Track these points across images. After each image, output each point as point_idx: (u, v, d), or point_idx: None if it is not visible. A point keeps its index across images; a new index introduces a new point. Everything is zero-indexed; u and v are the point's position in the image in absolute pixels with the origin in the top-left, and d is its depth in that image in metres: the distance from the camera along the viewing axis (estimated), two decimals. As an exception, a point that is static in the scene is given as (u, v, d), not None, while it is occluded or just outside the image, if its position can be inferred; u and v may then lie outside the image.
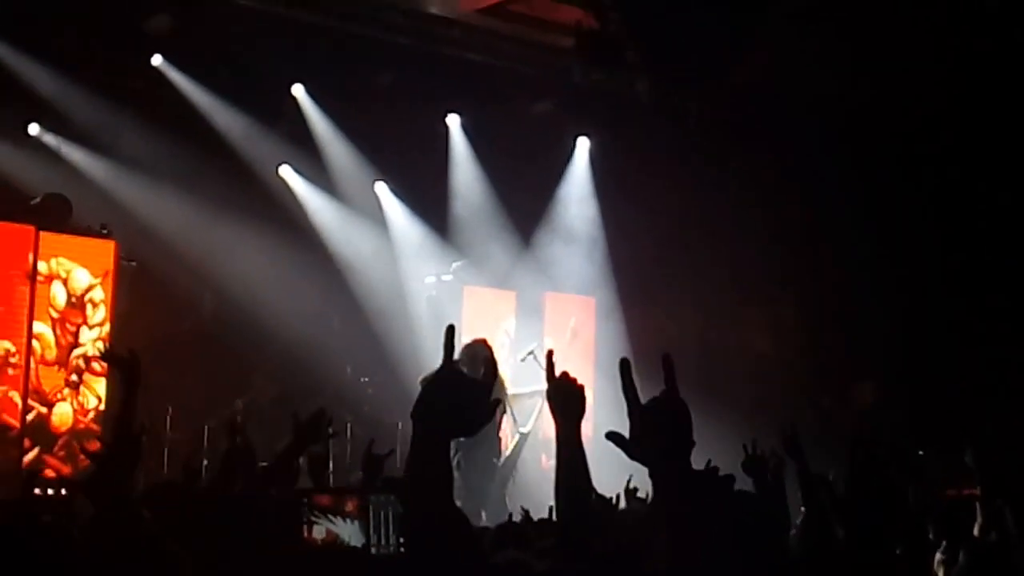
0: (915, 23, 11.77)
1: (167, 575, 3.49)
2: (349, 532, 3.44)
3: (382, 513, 3.21)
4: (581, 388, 3.55)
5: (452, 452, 9.86)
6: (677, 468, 3.05)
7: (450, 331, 2.99)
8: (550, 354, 3.55)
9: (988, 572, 5.36)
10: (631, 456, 3.05)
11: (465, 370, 9.09)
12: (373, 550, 3.19)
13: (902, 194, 13.18)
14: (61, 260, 11.44)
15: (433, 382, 2.95)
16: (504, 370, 11.32)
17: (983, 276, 13.00)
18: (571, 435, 3.53)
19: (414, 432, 2.91)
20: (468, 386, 2.97)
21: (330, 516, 3.50)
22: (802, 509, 5.44)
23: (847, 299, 13.87)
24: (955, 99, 12.47)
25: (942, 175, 13.07)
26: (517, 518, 6.01)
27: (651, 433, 3.06)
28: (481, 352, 10.48)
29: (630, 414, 3.07)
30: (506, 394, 11.01)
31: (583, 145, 14.69)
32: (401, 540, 3.10)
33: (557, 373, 3.52)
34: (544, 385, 10.53)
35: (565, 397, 3.56)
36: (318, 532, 3.54)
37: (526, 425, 11.31)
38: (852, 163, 13.02)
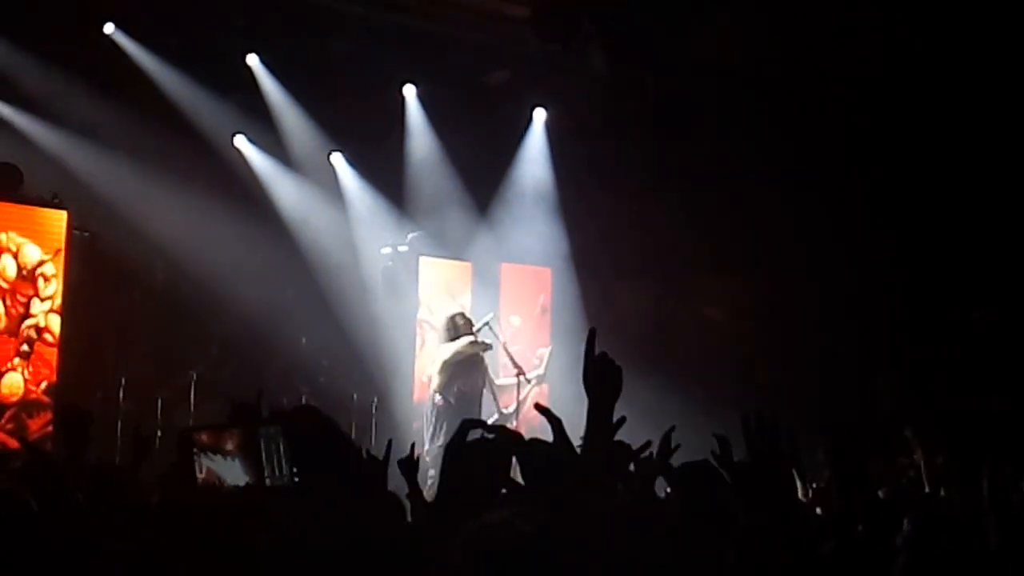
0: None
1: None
2: (228, 470, 3.35)
3: (272, 445, 3.14)
4: (619, 369, 3.61)
5: (434, 420, 9.92)
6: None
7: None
8: (592, 333, 3.61)
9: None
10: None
11: (449, 338, 9.21)
12: (268, 482, 3.14)
13: (861, 168, 13.23)
14: (12, 235, 11.35)
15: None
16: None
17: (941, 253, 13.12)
18: (605, 415, 3.59)
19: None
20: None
21: (209, 454, 3.40)
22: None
23: (806, 273, 13.93)
24: (919, 72, 12.52)
25: (902, 149, 13.13)
26: None
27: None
28: (460, 321, 10.90)
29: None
30: (491, 379, 11.15)
31: (539, 116, 14.66)
32: (295, 471, 3.07)
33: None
34: (532, 373, 10.65)
35: (605, 377, 3.60)
36: (198, 468, 3.48)
37: (507, 407, 11.40)
38: (811, 138, 13.07)
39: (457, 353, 10.88)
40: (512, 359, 11.41)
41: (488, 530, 3.09)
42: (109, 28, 12.43)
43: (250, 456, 3.24)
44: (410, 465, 5.14)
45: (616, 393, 3.61)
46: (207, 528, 3.22)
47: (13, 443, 10.85)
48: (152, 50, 12.49)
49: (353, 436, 12.10)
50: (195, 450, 3.36)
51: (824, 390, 13.32)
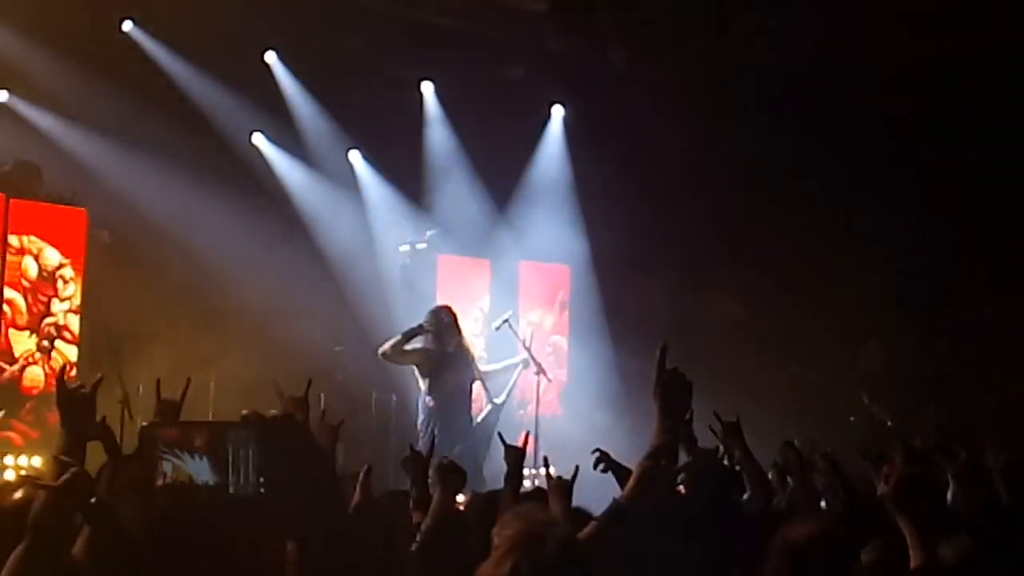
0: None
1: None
2: (197, 469, 3.25)
3: (241, 451, 3.03)
4: (690, 384, 3.62)
5: (425, 420, 9.70)
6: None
7: None
8: (664, 348, 3.59)
9: None
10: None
11: (432, 334, 9.05)
12: (231, 489, 3.04)
13: (878, 161, 13.17)
14: (32, 238, 11.42)
15: None
16: (478, 344, 11.24)
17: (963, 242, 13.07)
18: (673, 433, 3.60)
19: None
20: None
21: (176, 451, 3.31)
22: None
23: (824, 266, 13.86)
24: (934, 59, 12.46)
25: (920, 140, 13.07)
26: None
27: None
28: (445, 317, 10.66)
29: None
30: (478, 369, 10.96)
31: (558, 112, 14.63)
32: (261, 479, 2.98)
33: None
34: (518, 357, 10.44)
35: (677, 394, 3.61)
36: (166, 468, 3.35)
37: (499, 396, 11.25)
38: (832, 133, 13.02)
39: (398, 352, 10.68)
40: (532, 356, 11.34)
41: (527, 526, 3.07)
42: (127, 26, 12.44)
43: (218, 457, 3.15)
44: (417, 463, 5.11)
45: (687, 409, 3.63)
46: (178, 530, 3.13)
47: (34, 434, 11.06)
48: (170, 47, 12.50)
49: (373, 433, 12.12)
50: (161, 450, 3.28)
51: (847, 384, 13.27)
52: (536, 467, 8.70)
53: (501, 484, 5.50)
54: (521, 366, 11.36)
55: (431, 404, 10.54)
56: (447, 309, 10.81)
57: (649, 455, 3.52)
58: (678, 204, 14.07)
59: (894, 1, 11.90)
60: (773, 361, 13.72)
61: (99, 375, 4.23)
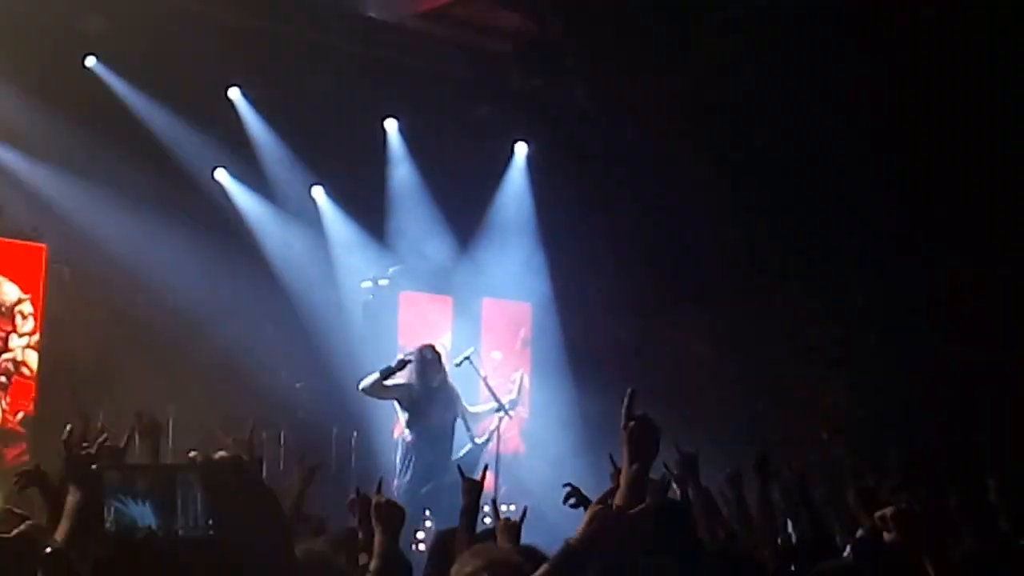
0: (854, 32, 11.89)
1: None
2: (140, 513, 3.20)
3: (190, 493, 3.01)
4: (659, 430, 3.63)
5: (404, 456, 9.74)
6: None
7: None
8: (633, 393, 3.60)
9: None
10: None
11: (415, 370, 9.14)
12: (180, 532, 3.02)
13: (844, 198, 13.25)
14: (-10, 273, 11.39)
15: None
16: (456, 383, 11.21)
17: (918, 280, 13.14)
18: (641, 477, 3.60)
19: None
20: None
21: (119, 496, 3.26)
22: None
23: (791, 304, 13.91)
24: (903, 113, 12.55)
25: (883, 180, 13.15)
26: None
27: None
28: (428, 354, 10.69)
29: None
30: (464, 407, 10.95)
31: (521, 150, 14.67)
32: (210, 522, 2.97)
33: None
34: (505, 398, 10.37)
35: (646, 439, 3.62)
36: (110, 512, 3.30)
37: (481, 436, 11.24)
38: (793, 170, 13.09)
39: (378, 387, 10.65)
40: (493, 393, 11.32)
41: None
42: (90, 61, 12.40)
43: (164, 500, 3.12)
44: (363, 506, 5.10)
45: (654, 455, 3.64)
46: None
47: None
48: (132, 83, 12.45)
49: (333, 470, 12.06)
50: (107, 493, 3.25)
51: (809, 424, 13.29)
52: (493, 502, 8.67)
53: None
54: (499, 413, 11.25)
55: (410, 440, 10.55)
56: (431, 347, 10.94)
57: (601, 498, 3.52)
58: (641, 243, 14.11)
59: (864, 43, 12.02)
60: (737, 400, 13.75)
61: (68, 425, 4.23)
